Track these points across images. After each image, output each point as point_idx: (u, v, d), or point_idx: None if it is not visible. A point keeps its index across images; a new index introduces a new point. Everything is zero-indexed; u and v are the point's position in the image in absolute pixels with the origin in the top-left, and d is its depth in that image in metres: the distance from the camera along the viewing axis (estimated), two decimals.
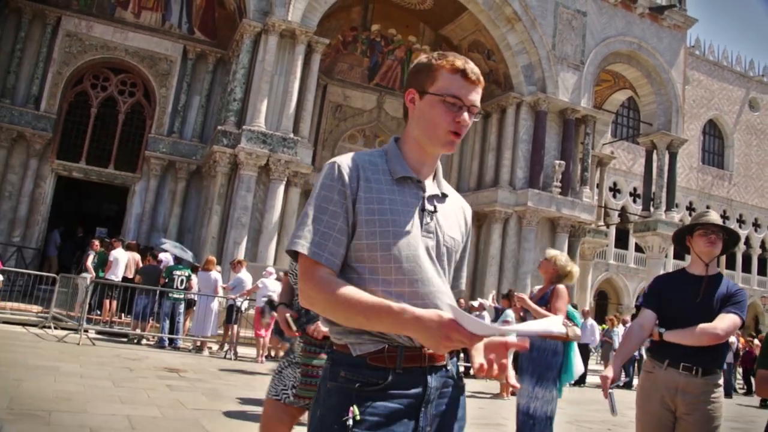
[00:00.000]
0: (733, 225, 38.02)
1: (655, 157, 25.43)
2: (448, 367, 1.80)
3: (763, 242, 39.81)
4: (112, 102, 21.42)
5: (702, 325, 3.35)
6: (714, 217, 3.61)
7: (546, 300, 5.26)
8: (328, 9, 20.06)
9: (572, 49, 22.85)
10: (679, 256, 36.17)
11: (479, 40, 22.99)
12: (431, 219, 1.80)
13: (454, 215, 1.90)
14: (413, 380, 1.72)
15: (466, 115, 1.78)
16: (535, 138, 22.12)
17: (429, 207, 1.80)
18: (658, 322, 3.56)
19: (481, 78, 1.83)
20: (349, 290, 1.66)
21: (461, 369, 1.91)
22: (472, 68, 1.80)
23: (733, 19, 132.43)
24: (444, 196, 1.88)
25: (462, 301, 15.44)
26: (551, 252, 5.52)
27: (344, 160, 1.78)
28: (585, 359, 16.63)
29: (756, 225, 39.50)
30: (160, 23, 21.58)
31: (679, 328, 3.44)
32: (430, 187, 1.85)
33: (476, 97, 1.81)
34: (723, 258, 32.29)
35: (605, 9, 23.80)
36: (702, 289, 3.48)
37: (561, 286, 5.29)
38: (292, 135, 18.37)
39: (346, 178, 1.73)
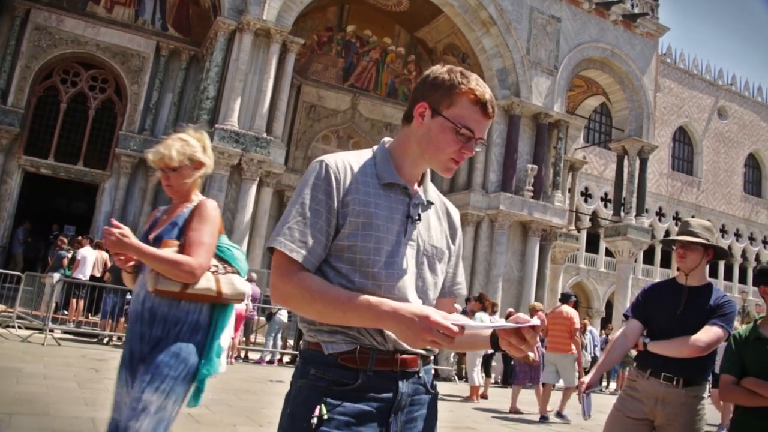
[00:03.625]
0: None
1: (626, 162, 25.73)
2: (420, 374, 1.79)
3: (729, 248, 40.46)
4: (82, 98, 21.10)
5: (684, 337, 3.30)
6: (689, 228, 3.49)
7: (179, 230, 2.94)
8: (304, 9, 19.99)
9: (546, 54, 23.03)
10: (648, 260, 36.70)
11: (454, 43, 23.06)
12: (414, 227, 1.77)
13: (438, 222, 1.88)
14: (384, 384, 1.71)
15: (474, 149, 1.76)
16: (509, 142, 22.24)
17: (413, 215, 1.78)
18: (645, 332, 3.52)
19: (496, 110, 1.80)
20: (325, 285, 1.66)
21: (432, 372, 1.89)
22: (491, 100, 1.76)
23: (704, 28, 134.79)
24: (429, 203, 1.85)
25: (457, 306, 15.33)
26: (180, 137, 3.07)
27: (332, 160, 1.74)
28: None
29: (723, 231, 40.14)
30: (132, 19, 21.31)
31: (663, 338, 3.39)
32: (417, 195, 1.82)
33: (486, 130, 1.79)
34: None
35: (579, 15, 24.04)
36: (684, 299, 3.43)
37: (209, 202, 3.02)
38: (265, 135, 18.26)
39: (332, 178, 1.70)
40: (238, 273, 3.05)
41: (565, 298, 10.59)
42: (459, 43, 22.93)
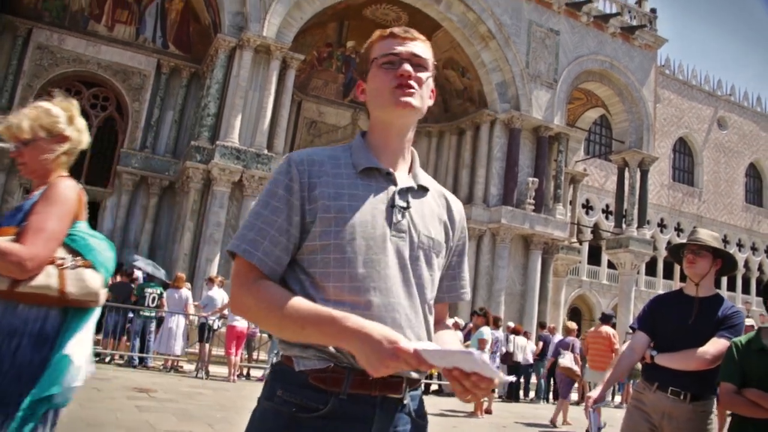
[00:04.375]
0: None
1: (627, 174, 25.76)
2: (405, 401, 1.55)
3: None
4: (84, 116, 21.05)
5: (691, 350, 3.24)
6: (698, 235, 3.45)
7: (23, 215, 2.32)
8: (304, 25, 20.08)
9: (545, 68, 23.11)
10: (650, 272, 36.60)
11: (454, 57, 23.14)
12: (402, 216, 1.56)
13: (435, 211, 1.66)
14: (359, 411, 1.49)
15: (407, 65, 1.59)
16: (509, 155, 22.28)
17: (400, 203, 1.57)
18: (652, 345, 3.46)
19: (417, 34, 1.65)
20: (284, 295, 1.47)
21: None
22: (403, 28, 1.65)
23: (702, 39, 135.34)
24: (422, 189, 1.65)
25: (457, 320, 14.91)
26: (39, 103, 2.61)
27: (297, 154, 1.59)
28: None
29: (725, 241, 40.09)
30: (133, 37, 21.43)
31: (671, 350, 3.33)
32: (404, 180, 1.62)
33: (415, 48, 1.62)
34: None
35: (578, 28, 24.14)
36: (694, 311, 3.37)
37: (64, 181, 2.43)
38: (266, 151, 18.29)
39: (295, 171, 1.54)
40: (94, 268, 2.39)
41: (605, 319, 11.10)
42: (458, 58, 23.01)
